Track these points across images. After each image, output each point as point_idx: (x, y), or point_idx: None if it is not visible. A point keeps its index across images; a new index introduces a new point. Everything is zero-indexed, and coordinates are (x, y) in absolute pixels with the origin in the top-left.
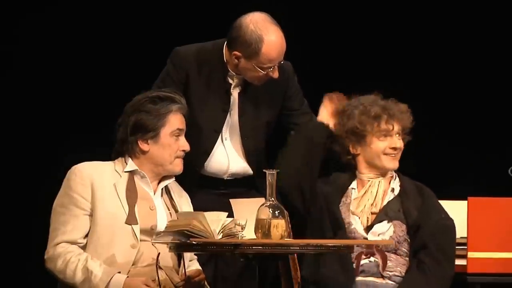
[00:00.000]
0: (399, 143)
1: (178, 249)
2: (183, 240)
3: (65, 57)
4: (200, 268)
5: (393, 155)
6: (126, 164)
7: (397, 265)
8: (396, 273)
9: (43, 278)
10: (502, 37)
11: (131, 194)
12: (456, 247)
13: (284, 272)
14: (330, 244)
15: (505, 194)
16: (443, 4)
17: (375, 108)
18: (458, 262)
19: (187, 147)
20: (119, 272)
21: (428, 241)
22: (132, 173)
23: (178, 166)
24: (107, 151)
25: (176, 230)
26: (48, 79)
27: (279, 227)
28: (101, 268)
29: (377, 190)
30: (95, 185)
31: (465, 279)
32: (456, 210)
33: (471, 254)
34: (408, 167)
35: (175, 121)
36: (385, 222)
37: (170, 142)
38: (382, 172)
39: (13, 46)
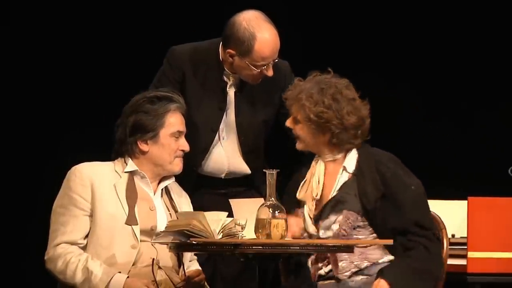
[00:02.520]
0: (288, 123)
1: (178, 249)
2: (183, 240)
3: (64, 56)
4: (200, 268)
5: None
6: (126, 165)
7: (352, 260)
8: (353, 269)
9: (43, 278)
10: (501, 37)
11: (131, 195)
12: (456, 247)
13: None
14: (330, 244)
15: (505, 194)
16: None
17: (290, 88)
18: (458, 262)
19: (186, 147)
20: (120, 272)
21: (409, 223)
22: (132, 173)
23: (177, 166)
24: (106, 152)
25: (176, 230)
26: (46, 80)
27: (279, 227)
28: (101, 268)
29: (314, 171)
30: (95, 185)
31: (465, 279)
32: (456, 210)
33: (471, 254)
34: (409, 167)
35: (174, 121)
36: (331, 215)
37: (169, 142)
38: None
39: (11, 45)
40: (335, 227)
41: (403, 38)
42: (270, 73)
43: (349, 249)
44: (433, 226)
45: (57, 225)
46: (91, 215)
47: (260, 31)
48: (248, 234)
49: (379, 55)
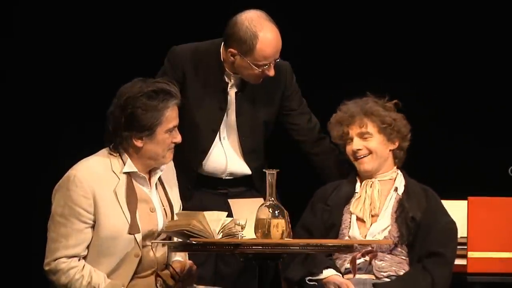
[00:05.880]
0: (358, 145)
1: (178, 249)
2: (183, 240)
3: (64, 56)
4: (179, 258)
5: (359, 157)
6: (123, 163)
7: (391, 265)
8: (391, 273)
9: (40, 278)
10: (501, 36)
11: (131, 199)
12: (456, 247)
13: None
14: (330, 244)
15: (505, 194)
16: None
17: (338, 114)
18: (458, 262)
19: (179, 138)
20: (123, 285)
21: (435, 248)
22: (129, 173)
23: (169, 158)
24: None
25: (176, 230)
26: (43, 79)
27: (279, 227)
28: (106, 283)
29: (372, 191)
30: (97, 196)
31: (465, 279)
32: (456, 210)
33: (471, 254)
34: (409, 167)
35: (171, 117)
36: (381, 222)
37: (164, 138)
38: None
39: (8, 44)
40: (385, 233)
41: (403, 39)
42: (271, 73)
43: (349, 249)
44: (453, 262)
45: (57, 235)
46: (93, 226)
47: (262, 30)
48: (248, 234)
49: (380, 56)
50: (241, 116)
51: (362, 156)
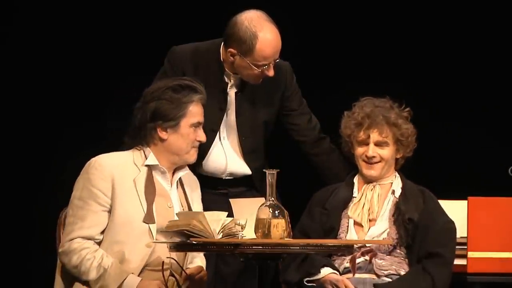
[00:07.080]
0: (373, 151)
1: (178, 249)
2: (183, 240)
3: (63, 56)
4: (201, 264)
5: (371, 162)
6: (145, 157)
7: (391, 264)
8: (392, 271)
9: (40, 278)
10: (500, 36)
11: (150, 191)
12: (456, 246)
13: None
14: (330, 244)
15: (505, 194)
16: (443, 2)
17: (359, 114)
18: (458, 262)
19: (203, 137)
20: (133, 273)
21: (434, 249)
22: (151, 167)
23: (193, 156)
24: (104, 150)
25: (176, 230)
26: (44, 79)
27: (279, 227)
28: (116, 267)
29: (372, 195)
30: (116, 181)
31: (465, 279)
32: (456, 210)
33: (471, 254)
34: (408, 168)
35: (196, 112)
36: (379, 225)
37: (188, 132)
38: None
39: (8, 44)
40: (383, 236)
41: (401, 38)
42: (271, 73)
43: (349, 249)
44: (452, 261)
45: (74, 218)
46: (110, 211)
47: (262, 31)
48: (248, 234)
49: (379, 56)
50: (241, 116)
51: (374, 162)
